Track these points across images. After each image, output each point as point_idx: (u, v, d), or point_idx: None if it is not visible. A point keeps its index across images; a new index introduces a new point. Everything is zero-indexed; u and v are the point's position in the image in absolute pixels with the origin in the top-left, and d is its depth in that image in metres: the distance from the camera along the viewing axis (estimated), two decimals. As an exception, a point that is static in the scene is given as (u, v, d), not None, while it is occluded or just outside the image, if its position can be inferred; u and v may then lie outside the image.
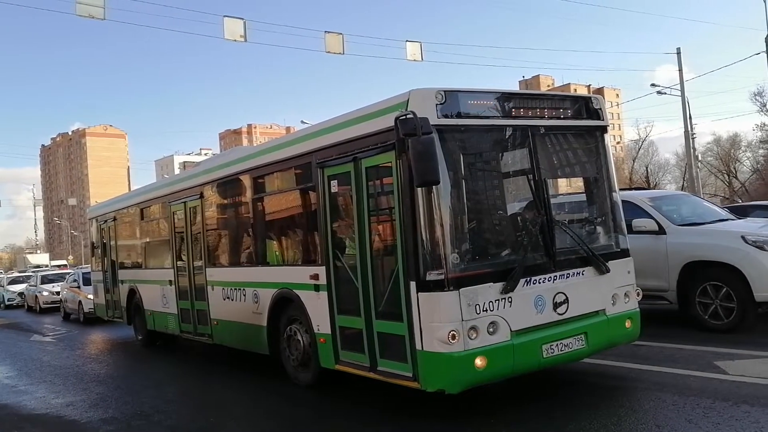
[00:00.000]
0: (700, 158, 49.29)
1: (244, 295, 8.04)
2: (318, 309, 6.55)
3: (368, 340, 5.87)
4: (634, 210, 8.77)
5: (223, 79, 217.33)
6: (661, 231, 8.70)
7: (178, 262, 10.09)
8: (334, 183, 6.41)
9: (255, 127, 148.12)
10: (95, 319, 16.02)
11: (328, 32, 17.00)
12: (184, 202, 9.76)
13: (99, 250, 14.16)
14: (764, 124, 48.64)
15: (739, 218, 9.76)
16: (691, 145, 33.89)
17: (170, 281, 10.25)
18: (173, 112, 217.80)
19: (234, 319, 8.33)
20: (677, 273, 8.50)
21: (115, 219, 13.12)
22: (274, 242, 7.85)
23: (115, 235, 13.14)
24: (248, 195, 8.16)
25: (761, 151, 52.94)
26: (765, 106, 45.01)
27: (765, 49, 23.95)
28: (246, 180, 8.17)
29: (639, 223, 8.63)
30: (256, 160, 8.04)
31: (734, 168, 58.06)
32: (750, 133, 63.88)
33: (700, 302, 8.32)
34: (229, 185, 8.78)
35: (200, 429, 6.22)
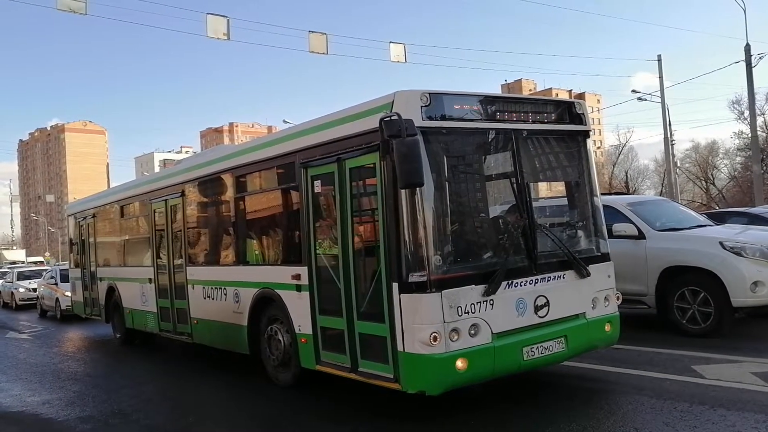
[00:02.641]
0: (678, 165, 49.95)
1: (225, 295, 7.98)
2: (299, 309, 6.53)
3: (350, 340, 5.86)
4: (614, 215, 8.85)
5: (206, 77, 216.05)
6: (641, 236, 8.79)
7: (158, 260, 10.00)
8: (317, 183, 6.39)
9: (237, 126, 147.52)
10: (72, 316, 15.81)
11: (312, 32, 16.97)
12: (165, 200, 9.67)
13: (77, 247, 13.99)
14: (742, 132, 49.31)
15: (717, 224, 9.90)
16: (670, 151, 34.31)
17: (150, 279, 10.15)
18: (154, 109, 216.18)
19: (214, 318, 8.27)
20: (656, 278, 8.60)
21: (94, 216, 12.97)
22: (256, 242, 7.81)
23: (94, 232, 12.99)
24: (230, 194, 8.11)
25: (738, 158, 53.69)
26: (743, 114, 45.70)
27: (744, 58, 24.29)
28: (228, 179, 8.12)
29: (619, 227, 8.69)
30: (238, 158, 8.00)
31: (712, 175, 58.87)
32: (728, 140, 65.02)
33: (678, 307, 8.42)
34: (211, 184, 8.72)
35: (179, 428, 6.17)
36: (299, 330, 6.56)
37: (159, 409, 6.96)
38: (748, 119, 27.78)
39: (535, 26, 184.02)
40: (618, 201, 9.56)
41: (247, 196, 7.97)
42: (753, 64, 24.14)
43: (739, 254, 8.04)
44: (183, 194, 9.19)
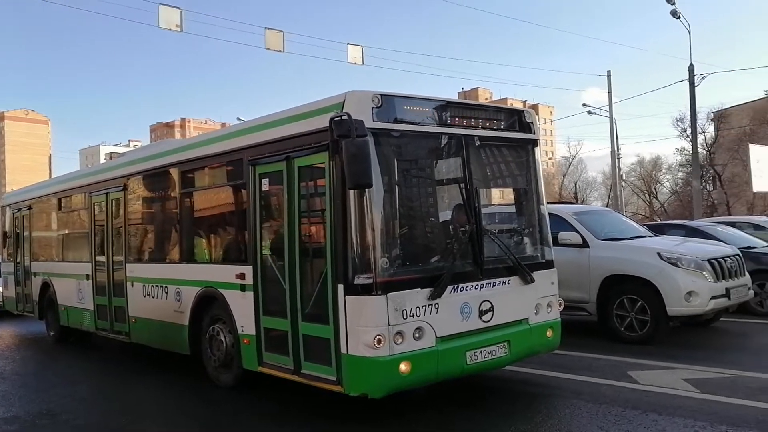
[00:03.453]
0: (624, 178, 51.41)
1: (166, 293, 7.78)
2: (243, 309, 6.41)
3: (293, 342, 5.78)
4: (560, 223, 9.03)
5: (157, 69, 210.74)
6: (585, 244, 8.99)
7: (97, 257, 9.67)
8: (265, 181, 6.30)
9: (189, 121, 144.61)
10: (4, 312, 15.13)
11: (269, 29, 16.76)
12: (106, 194, 9.37)
13: (12, 240, 13.42)
14: (684, 149, 51.16)
15: (657, 236, 10.21)
16: (617, 164, 35.34)
17: (87, 276, 9.81)
18: (102, 100, 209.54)
19: (154, 317, 8.04)
20: (598, 285, 8.81)
21: (30, 208, 12.44)
22: (201, 239, 7.64)
23: (30, 225, 12.45)
24: (175, 189, 7.92)
25: (680, 174, 55.67)
26: (685, 131, 47.40)
27: (687, 77, 25.20)
28: (174, 173, 7.92)
29: (565, 236, 8.89)
30: (185, 153, 7.82)
31: (655, 189, 60.85)
32: (671, 156, 67.37)
33: (617, 314, 8.64)
34: (155, 178, 8.49)
35: (113, 428, 5.96)
36: (242, 330, 6.44)
37: (93, 409, 6.72)
38: (690, 137, 28.81)
39: (492, 37, 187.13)
40: (564, 210, 9.76)
41: (192, 192, 7.79)
42: (696, 84, 25.04)
43: (675, 265, 8.32)
44: (125, 188, 8.92)
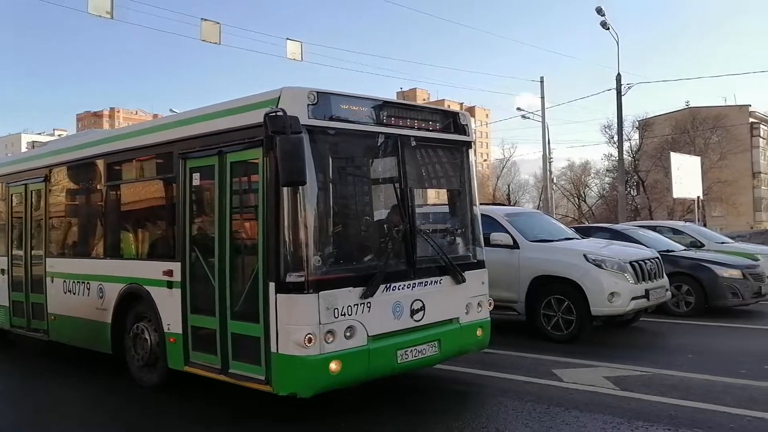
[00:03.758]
0: (555, 181, 53.02)
1: (88, 289, 7.47)
2: (170, 307, 6.23)
3: (221, 341, 5.66)
4: (492, 224, 9.20)
5: (86, 56, 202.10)
6: (515, 246, 9.19)
7: (14, 250, 9.18)
8: (196, 176, 6.15)
9: (119, 112, 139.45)
10: None
11: (205, 20, 16.35)
12: (26, 185, 8.92)
13: None
14: (611, 155, 53.24)
15: (583, 238, 10.56)
16: (548, 168, 36.43)
17: (2, 270, 9.31)
18: (25, 86, 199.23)
19: (74, 315, 7.70)
20: (527, 286, 9.03)
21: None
22: (126, 234, 7.37)
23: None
24: (101, 181, 7.61)
25: (607, 179, 57.90)
26: (612, 138, 49.32)
27: (615, 86, 26.21)
28: (100, 165, 7.62)
29: (496, 236, 9.06)
30: (113, 144, 7.53)
31: (583, 192, 63.09)
32: (599, 161, 69.96)
33: (544, 314, 8.89)
34: (80, 169, 8.14)
35: (21, 429, 5.67)
36: (168, 329, 6.26)
37: (5, 410, 6.37)
38: (617, 143, 29.98)
39: (430, 38, 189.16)
40: (497, 211, 9.95)
41: (119, 185, 7.50)
42: (622, 93, 26.13)
43: (599, 267, 8.63)
44: (47, 179, 8.51)
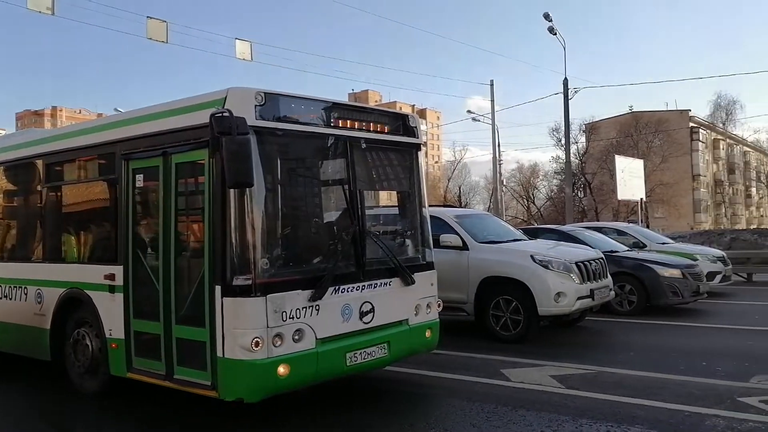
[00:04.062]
0: (504, 183, 53.93)
1: (25, 294, 7.18)
2: (112, 312, 6.05)
3: (166, 346, 5.53)
4: (441, 226, 9.26)
5: (26, 53, 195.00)
6: (465, 247, 9.28)
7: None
8: (139, 177, 6.00)
9: (61, 110, 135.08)
10: None
11: (151, 18, 15.99)
12: (-40, 185, 8.52)
13: None
14: (559, 157, 54.48)
15: (531, 239, 10.76)
16: (498, 170, 37.01)
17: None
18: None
19: (9, 321, 7.38)
20: (476, 287, 9.12)
21: None
22: (67, 237, 7.12)
23: None
24: (39, 182, 7.34)
25: (555, 181, 59.22)
26: (560, 141, 50.46)
27: (563, 90, 26.83)
28: (39, 165, 7.34)
29: (445, 238, 9.12)
30: (53, 144, 7.28)
31: (532, 194, 64.35)
32: (547, 164, 71.47)
33: (493, 314, 9.00)
34: (17, 170, 7.84)
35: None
36: (110, 334, 6.08)
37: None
38: (564, 146, 30.66)
39: (382, 40, 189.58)
40: (446, 213, 10.02)
41: (59, 186, 7.25)
42: (570, 97, 26.79)
43: (546, 267, 8.79)
44: (-18, 180, 8.16)
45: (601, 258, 9.86)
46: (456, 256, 9.18)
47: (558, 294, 8.64)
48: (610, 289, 9.86)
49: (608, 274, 9.89)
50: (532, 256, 8.92)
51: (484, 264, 9.14)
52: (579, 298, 8.83)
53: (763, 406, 5.54)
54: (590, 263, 9.29)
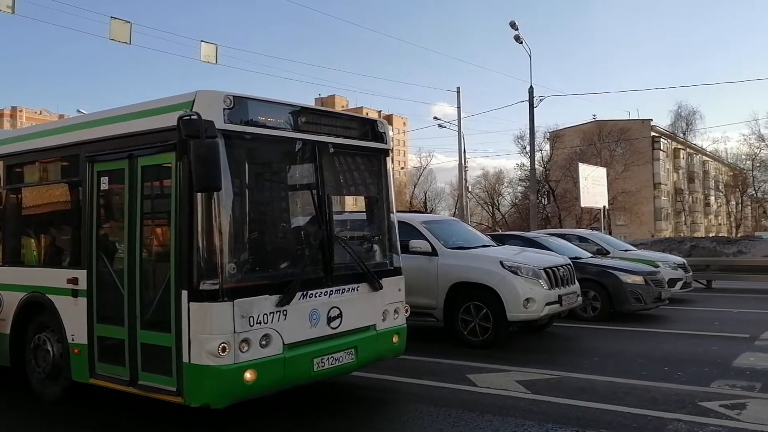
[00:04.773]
0: (470, 189, 54.44)
1: (-16, 298, 6.99)
2: (74, 316, 5.93)
3: (130, 351, 5.44)
4: (411, 231, 9.29)
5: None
6: (434, 253, 9.27)
7: None
8: (104, 180, 5.90)
9: (21, 111, 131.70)
10: None
11: (115, 18, 15.72)
12: None
13: None
14: (523, 165, 55.22)
15: (499, 245, 10.86)
16: (464, 177, 37.29)
17: None
18: None
19: (-32, 326, 7.18)
20: (445, 292, 9.13)
21: None
22: (28, 240, 6.96)
23: None
24: (1, 184, 7.15)
25: (520, 188, 60.00)
26: (525, 148, 51.15)
27: (528, 98, 27.23)
28: (-1, 167, 7.17)
29: (415, 244, 9.12)
30: (14, 145, 7.11)
31: (497, 201, 65.06)
32: (512, 171, 72.44)
33: (462, 320, 9.02)
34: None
35: None
36: (72, 339, 5.95)
37: None
38: (529, 154, 31.12)
39: (348, 45, 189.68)
40: (415, 219, 10.04)
41: (20, 188, 7.08)
42: (535, 105, 27.17)
43: (515, 273, 8.84)
44: (-62, 181, 7.90)
45: (569, 264, 9.97)
46: (425, 261, 9.19)
47: (527, 300, 8.68)
48: (578, 295, 9.95)
49: (576, 281, 10.01)
50: (501, 262, 8.98)
51: (453, 270, 9.16)
52: (547, 304, 8.89)
53: (724, 411, 5.69)
54: (558, 269, 9.39)
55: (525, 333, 10.03)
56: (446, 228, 10.40)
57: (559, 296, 9.16)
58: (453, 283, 9.10)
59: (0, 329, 6.73)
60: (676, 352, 8.62)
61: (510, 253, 9.90)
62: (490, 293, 8.82)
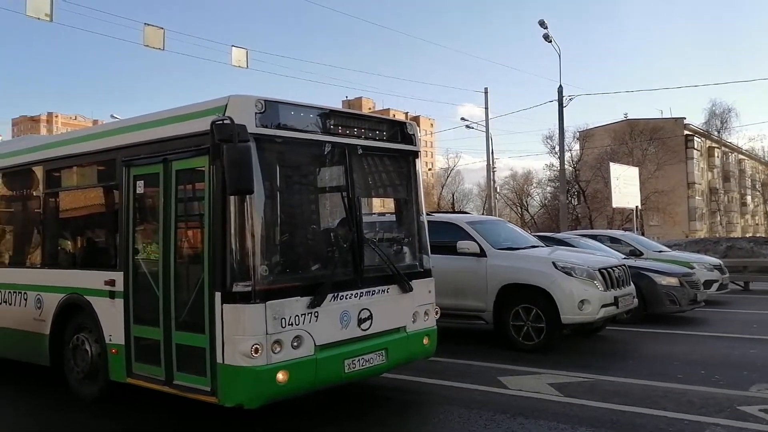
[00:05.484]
0: (498, 190, 54.01)
1: (25, 299, 7.18)
2: (112, 317, 6.06)
3: (165, 352, 5.54)
4: (457, 232, 9.17)
5: (23, 60, 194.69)
6: (482, 254, 9.03)
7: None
8: (140, 183, 6.02)
9: (57, 116, 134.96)
10: None
11: (148, 24, 16.01)
12: (-41, 191, 8.53)
13: None
14: (553, 165, 54.68)
15: (546, 246, 10.44)
16: (492, 177, 37.08)
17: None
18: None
19: (9, 326, 7.38)
20: (495, 295, 8.88)
21: None
22: (67, 242, 7.15)
23: None
24: (40, 189, 7.35)
25: (549, 188, 59.38)
26: (554, 148, 50.65)
27: (557, 98, 26.96)
28: (39, 172, 7.35)
29: (463, 245, 8.96)
30: (52, 150, 7.29)
31: (526, 201, 64.50)
32: (541, 171, 71.78)
33: (513, 324, 8.74)
34: (17, 176, 7.85)
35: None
36: (110, 340, 6.09)
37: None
38: (558, 154, 30.80)
39: (376, 48, 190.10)
40: (461, 219, 9.85)
41: (59, 192, 7.27)
42: (564, 105, 26.88)
43: (569, 274, 8.57)
44: (-19, 186, 8.17)
45: (624, 265, 9.63)
46: (473, 263, 8.98)
47: (582, 301, 8.41)
48: (634, 297, 9.61)
49: (631, 282, 9.63)
50: (554, 263, 8.72)
51: (503, 271, 8.89)
52: (603, 306, 8.59)
53: (763, 415, 5.57)
54: (613, 270, 9.08)
55: (567, 337, 9.58)
56: (493, 228, 10.12)
57: (615, 298, 8.84)
58: (503, 284, 8.84)
59: (39, 330, 6.91)
60: (713, 355, 8.46)
61: (563, 253, 9.61)
62: (543, 295, 8.56)
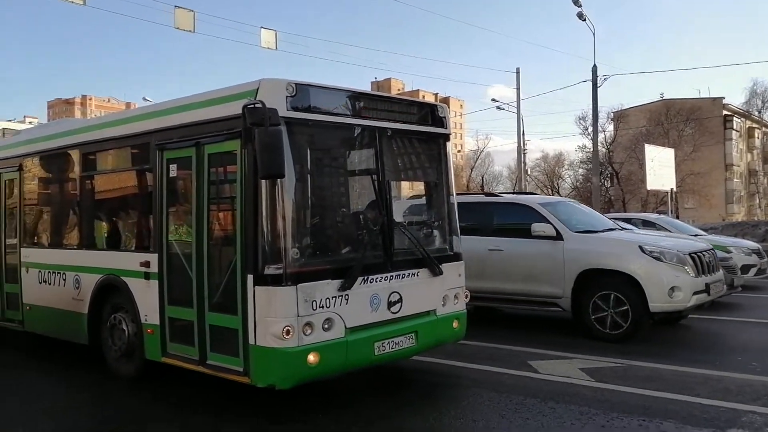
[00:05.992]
0: (529, 172, 53.47)
1: (64, 280, 7.39)
2: (147, 298, 6.19)
3: (199, 332, 5.65)
4: (529, 214, 8.86)
5: (57, 43, 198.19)
6: (559, 237, 8.61)
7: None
8: (173, 167, 6.10)
9: (91, 99, 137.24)
10: None
11: (179, 7, 16.13)
12: (-1, 174, 8.77)
13: None
14: (585, 146, 53.84)
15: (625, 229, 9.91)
16: (522, 159, 36.68)
17: (-24, 261, 9.13)
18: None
19: (50, 305, 7.62)
20: (573, 280, 8.42)
21: None
22: (103, 224, 7.31)
23: None
24: (76, 172, 7.51)
25: (581, 170, 58.56)
26: (587, 129, 49.85)
27: (591, 77, 26.46)
28: (75, 155, 7.51)
29: (538, 227, 8.62)
30: (88, 134, 7.43)
31: (557, 184, 63.73)
32: (573, 153, 70.76)
33: (593, 311, 8.28)
34: (55, 159, 8.02)
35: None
36: (146, 320, 6.23)
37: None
38: (591, 135, 30.29)
39: (404, 28, 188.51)
40: (532, 200, 9.46)
41: (95, 175, 7.43)
42: (598, 85, 26.36)
43: (658, 259, 8.10)
44: (21, 168, 8.37)
45: (713, 249, 9.13)
46: (549, 246, 8.56)
47: (672, 288, 7.93)
48: (724, 284, 9.14)
49: (720, 268, 9.19)
50: (640, 247, 8.20)
51: (582, 255, 8.41)
52: (695, 293, 8.09)
53: (799, 403, 5.46)
54: (703, 254, 8.55)
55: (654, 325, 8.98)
56: (567, 210, 9.61)
57: (707, 284, 8.32)
58: (583, 269, 8.35)
59: (78, 309, 7.11)
60: (751, 342, 8.31)
61: (649, 237, 9.13)
62: (628, 281, 8.07)
